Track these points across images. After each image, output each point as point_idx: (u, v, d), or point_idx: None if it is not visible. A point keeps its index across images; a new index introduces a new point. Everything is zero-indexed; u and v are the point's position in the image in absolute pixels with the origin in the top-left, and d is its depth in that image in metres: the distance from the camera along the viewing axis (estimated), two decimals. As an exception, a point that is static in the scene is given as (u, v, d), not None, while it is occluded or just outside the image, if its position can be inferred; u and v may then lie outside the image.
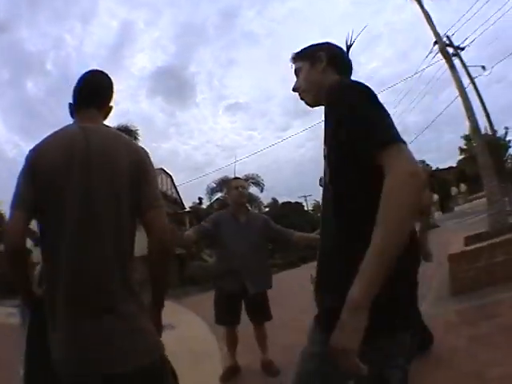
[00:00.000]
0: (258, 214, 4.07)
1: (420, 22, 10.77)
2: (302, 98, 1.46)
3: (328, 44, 1.47)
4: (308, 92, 1.42)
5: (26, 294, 1.40)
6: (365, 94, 1.13)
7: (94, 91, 1.48)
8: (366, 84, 1.17)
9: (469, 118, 7.73)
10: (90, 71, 1.53)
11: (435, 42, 10.90)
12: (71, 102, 1.51)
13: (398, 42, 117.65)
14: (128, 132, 16.36)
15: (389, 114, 1.09)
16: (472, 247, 5.07)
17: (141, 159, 1.36)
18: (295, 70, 1.49)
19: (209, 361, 3.98)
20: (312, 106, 1.43)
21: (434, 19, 8.97)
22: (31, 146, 1.36)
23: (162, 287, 1.41)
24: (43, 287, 1.33)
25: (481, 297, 4.22)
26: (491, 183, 7.11)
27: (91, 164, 1.27)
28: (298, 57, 1.48)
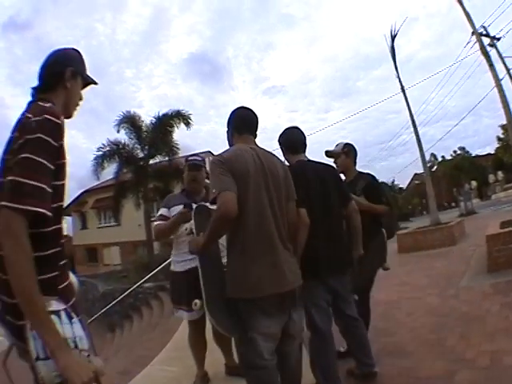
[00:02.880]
0: None
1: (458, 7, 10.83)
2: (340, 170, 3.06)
3: (350, 146, 3.20)
4: (342, 169, 3.12)
5: (210, 245, 1.94)
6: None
7: (253, 124, 2.12)
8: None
9: (504, 110, 7.93)
10: (246, 108, 2.14)
11: (473, 33, 11.02)
12: (228, 129, 2.13)
13: (435, 25, 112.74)
14: (181, 116, 16.10)
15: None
16: (506, 230, 5.33)
17: (287, 169, 2.10)
18: (334, 154, 3.21)
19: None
20: (340, 172, 3.00)
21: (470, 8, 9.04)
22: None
23: (301, 245, 2.10)
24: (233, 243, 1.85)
25: (512, 274, 4.58)
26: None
27: (266, 172, 1.91)
28: (339, 151, 3.19)
